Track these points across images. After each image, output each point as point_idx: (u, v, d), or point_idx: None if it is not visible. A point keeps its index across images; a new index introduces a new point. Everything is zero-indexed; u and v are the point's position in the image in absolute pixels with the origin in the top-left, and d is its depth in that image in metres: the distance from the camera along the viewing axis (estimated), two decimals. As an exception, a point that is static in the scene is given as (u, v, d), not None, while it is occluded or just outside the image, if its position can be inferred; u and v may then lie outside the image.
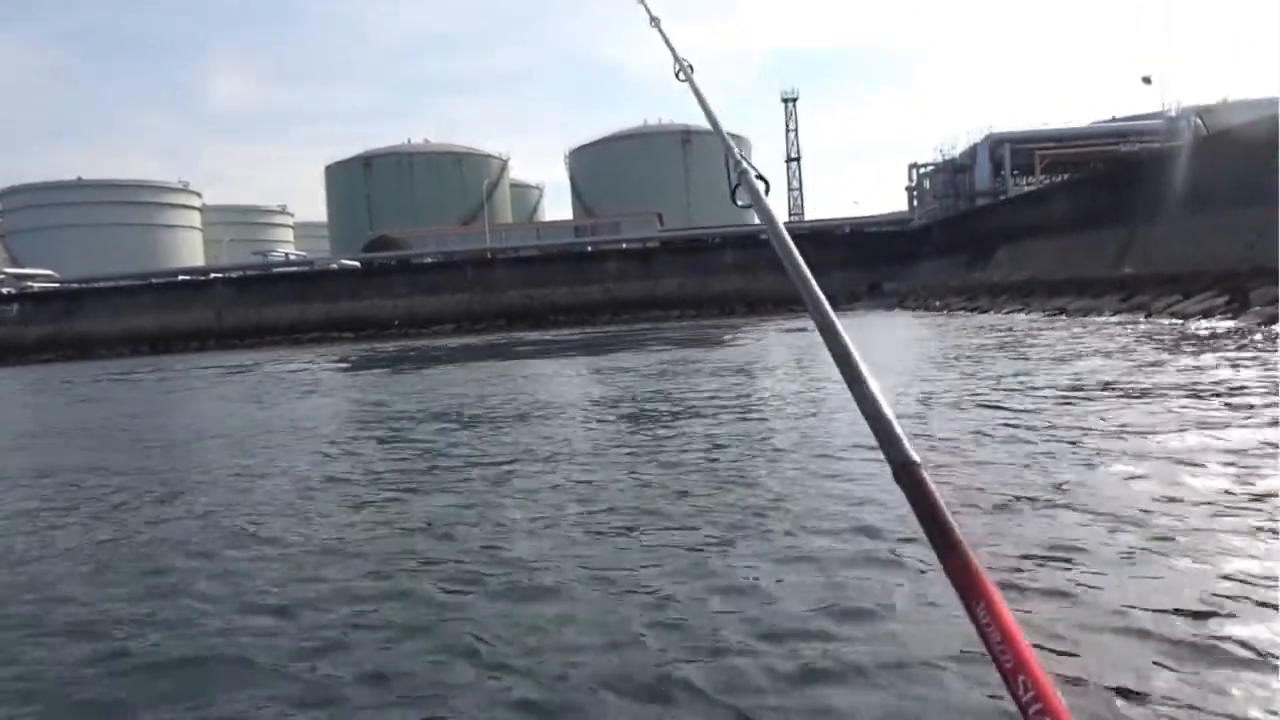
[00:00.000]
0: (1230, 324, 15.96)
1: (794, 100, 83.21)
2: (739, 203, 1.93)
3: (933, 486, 0.85)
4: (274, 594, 4.10)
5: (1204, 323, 16.70)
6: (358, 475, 7.10)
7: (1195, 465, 5.22)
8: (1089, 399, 8.27)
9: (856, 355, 1.06)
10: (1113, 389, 8.83)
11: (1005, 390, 9.39)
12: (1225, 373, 9.40)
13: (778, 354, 18.04)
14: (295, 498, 6.29)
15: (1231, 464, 5.16)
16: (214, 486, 6.94)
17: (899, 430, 0.93)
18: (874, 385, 0.99)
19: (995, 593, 0.73)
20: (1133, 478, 5.10)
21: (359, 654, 3.32)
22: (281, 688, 3.07)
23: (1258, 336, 13.63)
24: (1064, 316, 22.43)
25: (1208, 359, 10.82)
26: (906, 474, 0.88)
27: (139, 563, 4.83)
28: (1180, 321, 17.42)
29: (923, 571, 3.65)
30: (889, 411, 0.95)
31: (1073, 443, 6.21)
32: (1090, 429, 6.65)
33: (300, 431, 10.19)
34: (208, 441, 10.04)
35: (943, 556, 0.79)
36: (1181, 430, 6.32)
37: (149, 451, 9.39)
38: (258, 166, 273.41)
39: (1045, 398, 8.53)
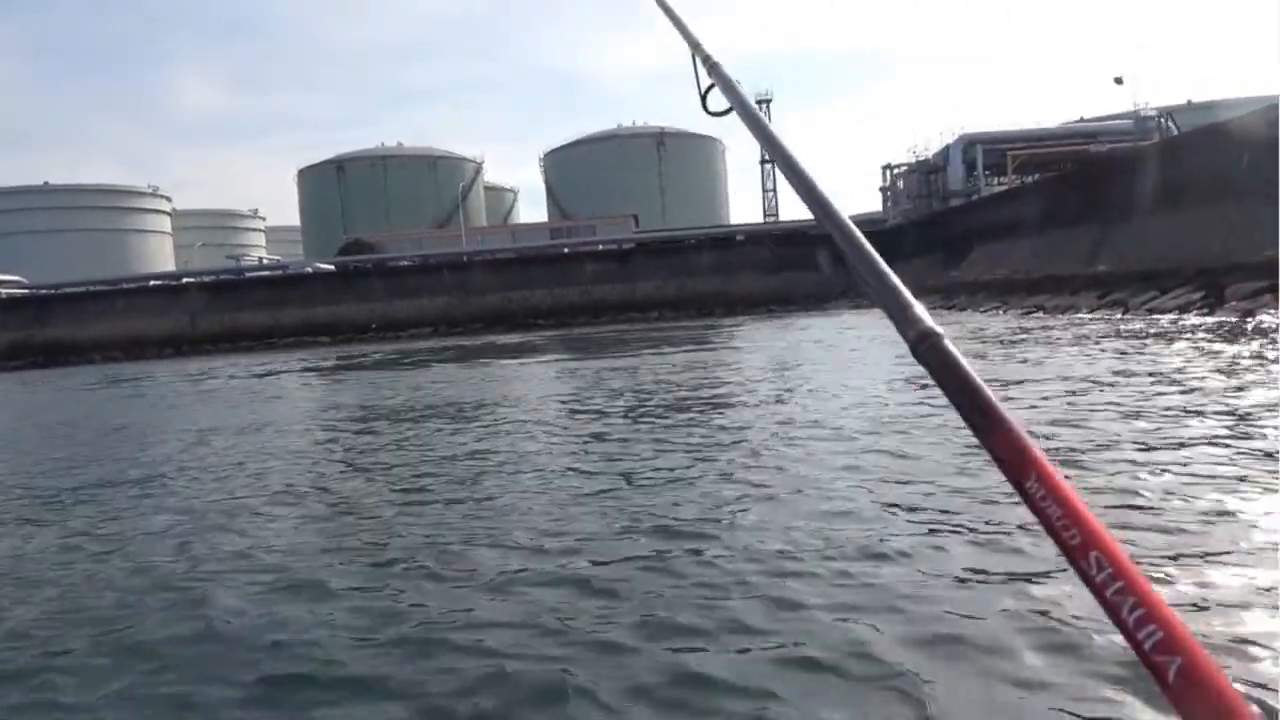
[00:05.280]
0: (1209, 319, 16.27)
1: (768, 101, 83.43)
2: (711, 109, 1.60)
3: (959, 356, 0.76)
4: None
5: (1189, 318, 17.00)
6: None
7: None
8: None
9: (853, 229, 0.97)
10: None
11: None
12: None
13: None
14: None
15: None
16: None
17: (912, 300, 0.83)
18: (882, 263, 0.89)
19: (1046, 463, 0.66)
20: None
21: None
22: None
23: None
24: (1041, 313, 22.75)
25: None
26: (928, 345, 0.78)
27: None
28: (1158, 317, 17.74)
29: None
30: (900, 285, 0.86)
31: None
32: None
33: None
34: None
35: (980, 432, 0.70)
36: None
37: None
38: (227, 172, 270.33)
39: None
